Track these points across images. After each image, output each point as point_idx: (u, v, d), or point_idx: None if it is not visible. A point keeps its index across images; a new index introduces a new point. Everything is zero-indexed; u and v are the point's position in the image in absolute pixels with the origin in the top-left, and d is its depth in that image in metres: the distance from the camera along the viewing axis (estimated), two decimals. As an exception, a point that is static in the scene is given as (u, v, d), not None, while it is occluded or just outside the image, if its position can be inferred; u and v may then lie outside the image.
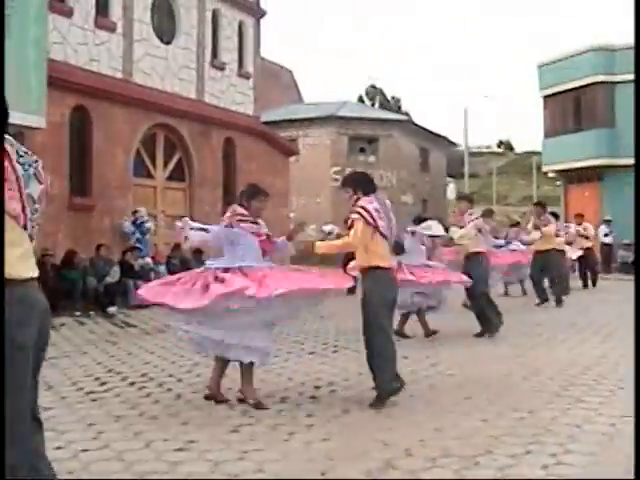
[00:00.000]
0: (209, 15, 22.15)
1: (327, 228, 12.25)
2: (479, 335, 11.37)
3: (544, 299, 15.68)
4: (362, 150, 39.34)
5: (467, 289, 11.74)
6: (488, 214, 14.77)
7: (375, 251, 7.22)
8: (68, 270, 15.23)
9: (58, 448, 5.71)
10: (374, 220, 7.15)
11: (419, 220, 12.21)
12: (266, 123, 30.29)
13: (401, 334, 11.01)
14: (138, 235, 17.89)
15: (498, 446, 5.62)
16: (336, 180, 37.53)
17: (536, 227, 15.84)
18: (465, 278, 11.32)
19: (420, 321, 11.48)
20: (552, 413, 6.58)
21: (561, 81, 32.25)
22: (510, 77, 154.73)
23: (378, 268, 7.19)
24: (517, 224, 19.50)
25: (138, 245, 17.59)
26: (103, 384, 8.17)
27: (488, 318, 11.42)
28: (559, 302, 15.63)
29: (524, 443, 5.67)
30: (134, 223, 17.95)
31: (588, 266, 20.55)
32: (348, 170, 38.11)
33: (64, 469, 5.23)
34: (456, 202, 13.65)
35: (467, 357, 9.65)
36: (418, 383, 8.08)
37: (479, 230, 11.73)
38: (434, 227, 11.77)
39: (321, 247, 7.58)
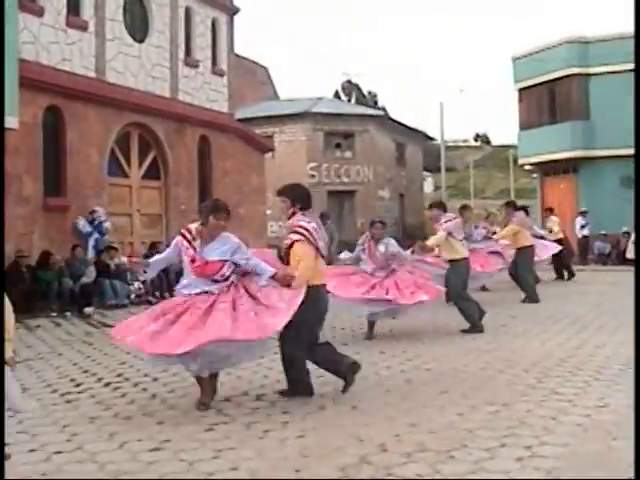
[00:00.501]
0: (182, 12, 22.07)
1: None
2: (465, 331, 11.29)
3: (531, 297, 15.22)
4: (338, 146, 39.35)
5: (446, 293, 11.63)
6: (464, 210, 14.60)
7: (316, 270, 7.15)
8: (43, 271, 15.15)
9: (31, 451, 5.70)
10: (315, 240, 7.09)
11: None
12: (241, 120, 30.21)
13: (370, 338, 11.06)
14: (97, 235, 17.41)
15: (473, 440, 5.63)
16: (313, 176, 37.64)
17: (506, 225, 15.92)
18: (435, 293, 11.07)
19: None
20: (527, 405, 6.61)
21: (535, 74, 32.34)
22: (485, 70, 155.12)
23: (317, 286, 7.12)
24: (487, 217, 19.27)
25: (92, 245, 17.17)
26: (78, 385, 8.12)
27: (469, 316, 11.44)
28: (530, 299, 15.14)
29: (499, 436, 5.68)
30: (91, 223, 17.45)
31: (561, 258, 20.36)
32: (325, 166, 38.49)
33: (37, 471, 5.23)
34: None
35: (444, 351, 9.66)
36: (394, 378, 8.09)
37: (449, 234, 11.57)
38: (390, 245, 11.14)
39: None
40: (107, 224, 17.71)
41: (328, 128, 38.77)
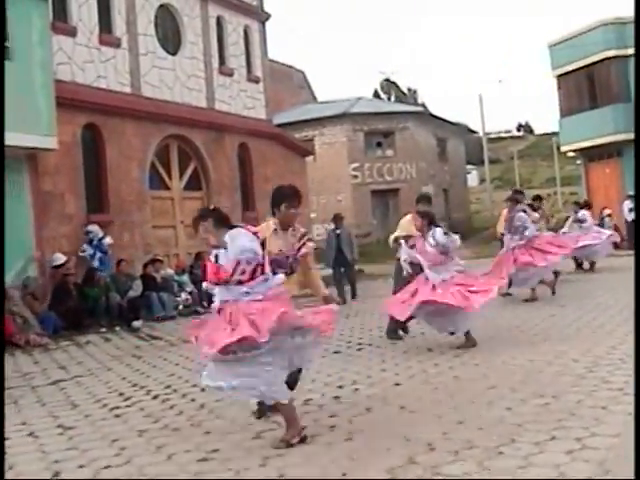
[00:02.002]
0: (213, 22, 22.17)
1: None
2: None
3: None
4: (379, 144, 39.33)
5: None
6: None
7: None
8: (90, 287, 15.28)
9: (80, 467, 5.72)
10: None
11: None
12: (280, 125, 30.31)
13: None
14: (99, 254, 16.44)
15: (522, 434, 5.53)
16: (355, 177, 37.63)
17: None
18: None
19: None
20: (577, 396, 6.48)
21: (573, 59, 31.92)
22: (523, 59, 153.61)
23: None
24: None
25: (97, 266, 16.16)
26: (127, 399, 8.15)
27: None
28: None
29: (548, 429, 5.57)
30: (90, 244, 16.47)
31: None
32: (367, 166, 38.42)
33: (86, 488, 5.25)
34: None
35: (491, 346, 9.55)
36: (442, 375, 8.02)
37: None
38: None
39: None
40: (107, 240, 16.69)
41: (368, 128, 38.75)
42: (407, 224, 10.52)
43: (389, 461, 5.19)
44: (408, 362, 8.92)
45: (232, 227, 5.96)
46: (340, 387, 7.86)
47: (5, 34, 13.76)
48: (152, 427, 6.79)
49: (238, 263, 5.78)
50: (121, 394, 8.49)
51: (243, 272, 5.81)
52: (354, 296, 17.61)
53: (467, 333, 9.68)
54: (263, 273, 5.91)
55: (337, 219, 17.94)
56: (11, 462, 5.98)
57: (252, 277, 5.85)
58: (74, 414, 7.53)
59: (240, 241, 5.81)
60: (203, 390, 8.18)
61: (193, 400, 7.83)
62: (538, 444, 5.26)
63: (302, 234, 6.99)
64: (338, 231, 17.74)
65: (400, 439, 5.71)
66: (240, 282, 5.83)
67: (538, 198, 15.97)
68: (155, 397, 8.17)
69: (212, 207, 6.18)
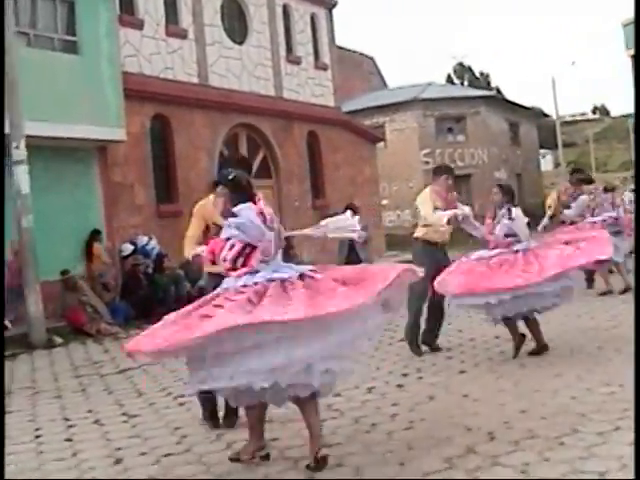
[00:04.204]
0: (279, 11, 22.18)
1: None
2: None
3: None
4: (450, 130, 38.96)
5: None
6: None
7: None
8: (160, 276, 15.42)
9: (142, 454, 5.77)
10: None
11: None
12: (350, 112, 30.26)
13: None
14: (148, 261, 15.69)
15: (585, 424, 5.39)
16: (427, 163, 37.32)
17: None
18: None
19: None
20: (646, 385, 6.30)
21: (648, 37, 31.04)
22: (596, 40, 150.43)
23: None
24: (612, 189, 17.23)
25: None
26: (191, 388, 8.19)
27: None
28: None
29: (613, 419, 5.42)
30: (141, 252, 15.75)
31: None
32: (438, 151, 38.08)
33: (145, 474, 5.28)
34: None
35: (559, 332, 9.34)
36: (508, 363, 7.88)
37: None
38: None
39: None
40: (152, 243, 15.90)
41: (438, 113, 38.41)
42: (431, 198, 8.89)
43: (448, 450, 5.11)
44: (474, 350, 8.80)
45: (248, 199, 5.28)
46: (404, 375, 7.80)
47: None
48: (214, 416, 6.81)
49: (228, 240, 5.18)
50: (186, 383, 8.52)
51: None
52: None
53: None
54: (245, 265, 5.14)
55: (351, 210, 14.32)
56: (76, 449, 6.09)
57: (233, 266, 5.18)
58: (139, 402, 7.62)
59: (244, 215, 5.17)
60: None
61: (257, 388, 7.83)
62: (601, 434, 5.12)
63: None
64: None
65: (461, 428, 5.62)
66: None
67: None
68: (218, 386, 8.19)
69: (232, 175, 5.43)
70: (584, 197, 12.94)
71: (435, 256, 8.80)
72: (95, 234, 15.34)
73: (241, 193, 5.33)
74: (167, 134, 17.89)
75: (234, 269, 5.15)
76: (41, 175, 13.74)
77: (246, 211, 5.17)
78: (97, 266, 15.02)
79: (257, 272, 5.11)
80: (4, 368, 10.00)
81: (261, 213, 5.24)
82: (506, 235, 8.40)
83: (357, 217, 6.53)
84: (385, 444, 5.46)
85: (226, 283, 5.21)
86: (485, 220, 8.82)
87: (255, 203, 5.28)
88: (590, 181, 13.49)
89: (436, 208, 8.71)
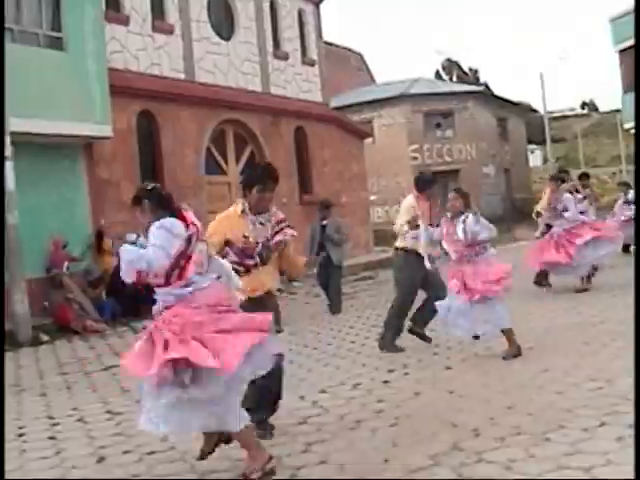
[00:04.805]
0: (267, 6, 22.07)
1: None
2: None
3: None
4: (438, 125, 38.97)
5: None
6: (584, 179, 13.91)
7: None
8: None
9: (125, 452, 5.73)
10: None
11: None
12: (339, 108, 30.21)
13: None
14: None
15: (572, 420, 5.38)
16: (415, 159, 37.36)
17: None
18: None
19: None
20: (631, 380, 6.22)
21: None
22: (584, 34, 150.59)
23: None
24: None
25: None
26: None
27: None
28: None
29: (599, 415, 5.41)
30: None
31: None
32: (426, 147, 38.09)
33: (128, 472, 5.24)
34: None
35: (547, 327, 9.35)
36: (494, 358, 7.86)
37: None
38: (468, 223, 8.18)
39: None
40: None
41: (427, 108, 38.42)
42: (408, 212, 8.83)
43: (433, 447, 5.10)
44: (461, 345, 8.76)
45: (173, 213, 4.95)
46: (390, 371, 7.77)
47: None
48: (200, 413, 6.77)
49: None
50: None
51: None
52: (335, 311, 13.11)
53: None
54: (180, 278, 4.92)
55: (324, 207, 13.29)
56: (59, 447, 6.04)
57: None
58: (124, 400, 7.56)
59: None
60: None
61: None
62: (587, 430, 5.12)
63: (278, 220, 5.94)
64: (324, 222, 13.13)
65: (446, 424, 5.61)
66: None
67: (585, 176, 14.83)
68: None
69: (150, 186, 5.12)
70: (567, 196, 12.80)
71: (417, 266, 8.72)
72: (100, 230, 15.34)
73: (162, 207, 4.97)
74: (154, 130, 17.78)
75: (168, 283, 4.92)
76: (27, 172, 13.66)
77: (160, 231, 4.82)
78: (108, 261, 14.91)
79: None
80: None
81: (188, 226, 4.92)
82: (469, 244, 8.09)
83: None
84: (370, 441, 5.44)
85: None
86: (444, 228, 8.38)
87: (180, 216, 4.94)
88: (564, 180, 13.41)
89: (414, 219, 8.59)
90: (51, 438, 6.34)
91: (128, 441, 6.01)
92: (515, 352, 7.81)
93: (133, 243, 4.96)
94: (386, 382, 7.29)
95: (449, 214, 8.33)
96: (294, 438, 5.66)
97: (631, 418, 5.22)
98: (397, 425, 5.76)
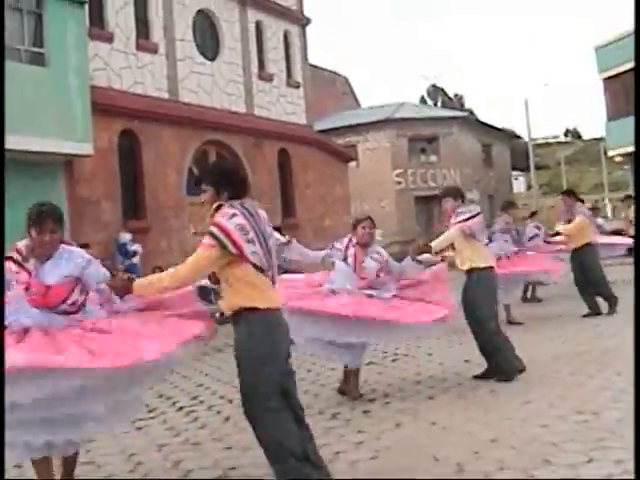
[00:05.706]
0: (252, 27, 22.02)
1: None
2: (483, 376, 8.16)
3: (596, 312, 12.39)
4: (423, 150, 38.97)
5: (468, 317, 8.35)
6: (508, 207, 13.34)
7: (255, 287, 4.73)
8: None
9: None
10: (234, 243, 4.63)
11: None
12: (323, 131, 30.14)
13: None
14: (127, 261, 15.78)
15: (557, 454, 5.18)
16: (399, 183, 37.28)
17: (568, 221, 12.95)
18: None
19: None
20: (618, 413, 6.08)
21: (620, 61, 31.13)
22: (569, 62, 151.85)
23: (254, 310, 4.70)
24: (533, 215, 16.34)
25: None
26: (151, 410, 7.93)
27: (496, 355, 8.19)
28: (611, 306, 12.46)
29: (586, 450, 5.20)
30: (125, 255, 15.93)
31: None
32: (410, 172, 38.04)
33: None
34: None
35: (531, 357, 9.13)
36: (478, 389, 7.65)
37: (470, 234, 8.19)
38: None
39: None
40: (135, 247, 16.03)
41: (411, 133, 38.41)
42: None
43: (414, 482, 4.89)
44: (444, 374, 8.57)
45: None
46: (371, 400, 7.54)
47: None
48: (172, 441, 6.57)
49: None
50: (146, 405, 8.23)
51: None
52: None
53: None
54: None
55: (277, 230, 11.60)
56: (25, 476, 5.79)
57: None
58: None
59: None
60: (230, 402, 7.97)
61: (219, 412, 7.61)
62: (574, 466, 4.91)
63: None
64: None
65: (428, 458, 5.39)
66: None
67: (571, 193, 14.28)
68: (180, 409, 7.96)
69: None
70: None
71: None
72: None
73: None
74: (135, 149, 17.64)
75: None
76: (5, 189, 13.41)
77: None
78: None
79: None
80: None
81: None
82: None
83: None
84: (348, 474, 5.23)
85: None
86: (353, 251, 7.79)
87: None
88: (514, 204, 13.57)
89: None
90: (17, 467, 6.06)
91: (98, 470, 5.84)
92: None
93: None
94: (366, 412, 7.07)
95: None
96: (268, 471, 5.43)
97: (620, 454, 5.03)
98: (377, 458, 5.55)
